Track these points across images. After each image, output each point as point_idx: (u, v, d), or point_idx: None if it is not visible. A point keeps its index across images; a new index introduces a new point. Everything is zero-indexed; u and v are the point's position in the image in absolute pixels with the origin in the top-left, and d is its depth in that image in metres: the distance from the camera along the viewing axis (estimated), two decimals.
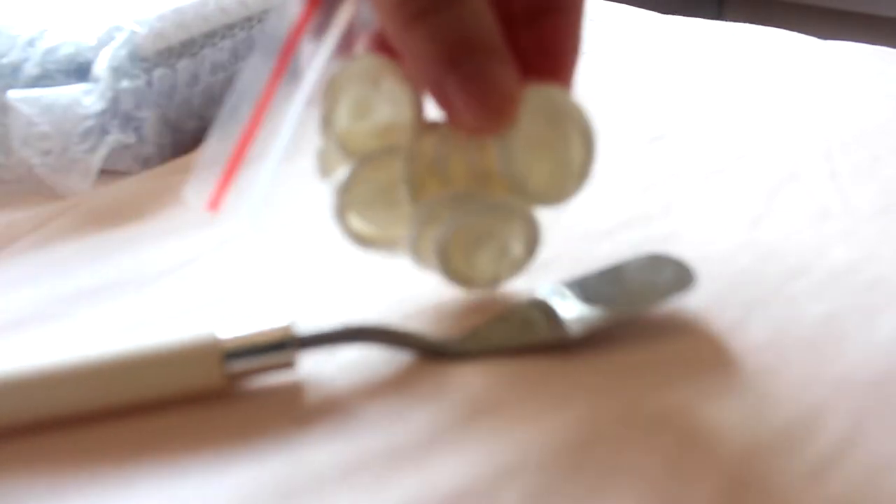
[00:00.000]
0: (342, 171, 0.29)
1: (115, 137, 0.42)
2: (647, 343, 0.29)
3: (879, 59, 0.56)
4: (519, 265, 0.30)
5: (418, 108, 0.29)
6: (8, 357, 0.27)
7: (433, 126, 0.29)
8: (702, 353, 0.28)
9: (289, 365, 0.27)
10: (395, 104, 0.29)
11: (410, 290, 0.32)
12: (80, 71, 0.42)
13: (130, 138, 0.43)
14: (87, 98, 0.41)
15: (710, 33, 0.62)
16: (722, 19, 0.75)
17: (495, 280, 0.30)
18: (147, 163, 0.44)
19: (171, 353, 0.27)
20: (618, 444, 0.25)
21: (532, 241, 0.30)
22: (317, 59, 0.27)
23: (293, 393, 0.27)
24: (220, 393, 0.27)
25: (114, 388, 0.26)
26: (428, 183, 0.29)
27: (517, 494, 0.23)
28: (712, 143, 0.44)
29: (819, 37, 0.60)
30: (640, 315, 0.29)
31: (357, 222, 0.30)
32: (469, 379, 0.28)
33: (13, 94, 0.41)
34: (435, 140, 0.28)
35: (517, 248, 0.30)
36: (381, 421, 0.26)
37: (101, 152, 0.41)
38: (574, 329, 0.29)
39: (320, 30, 0.27)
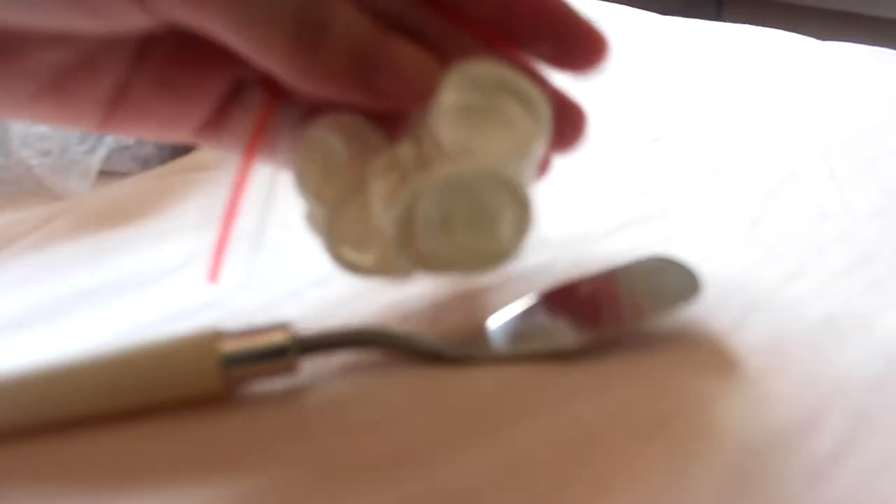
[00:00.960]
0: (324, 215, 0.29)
1: (114, 138, 0.42)
2: (647, 344, 0.29)
3: (878, 59, 0.56)
4: (508, 249, 0.28)
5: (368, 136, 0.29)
6: (7, 357, 0.27)
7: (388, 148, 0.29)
8: (701, 353, 0.28)
9: (290, 369, 0.27)
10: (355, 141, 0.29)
11: (408, 292, 0.32)
12: None
13: (129, 139, 0.43)
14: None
15: (708, 34, 0.62)
16: (721, 20, 0.75)
17: (483, 263, 0.29)
18: (146, 163, 0.44)
19: (170, 357, 0.27)
20: (617, 444, 0.25)
21: (523, 218, 0.27)
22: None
23: (293, 396, 0.27)
24: (220, 397, 0.27)
25: (112, 391, 0.26)
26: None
27: (517, 495, 0.23)
28: (711, 144, 0.44)
29: (818, 38, 0.60)
30: (642, 327, 0.29)
31: (352, 254, 0.29)
32: (469, 381, 0.28)
33: None
34: (390, 154, 0.28)
35: (506, 227, 0.28)
36: (380, 424, 0.26)
37: (100, 153, 0.41)
38: (574, 340, 0.28)
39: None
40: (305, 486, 0.24)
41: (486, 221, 0.27)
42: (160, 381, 0.26)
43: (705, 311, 0.30)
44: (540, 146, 0.27)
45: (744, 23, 0.65)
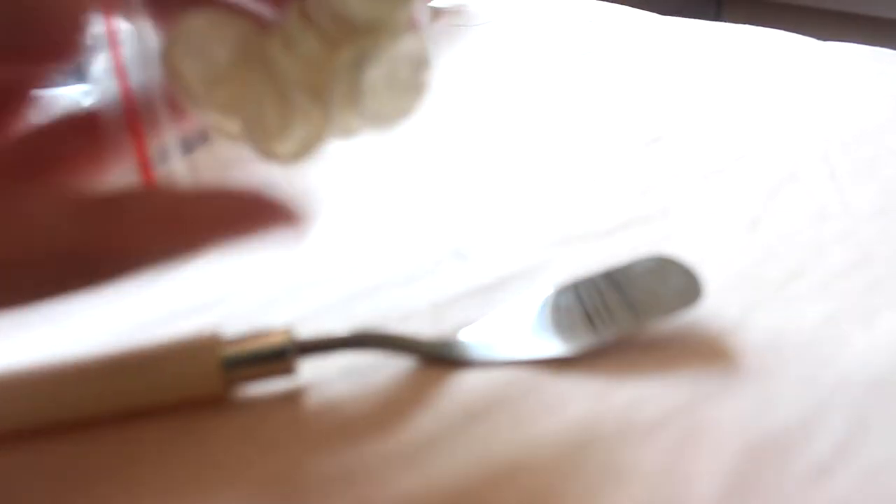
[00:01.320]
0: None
1: None
2: (647, 344, 0.29)
3: (878, 60, 0.56)
4: (412, 92, 0.28)
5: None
6: (7, 358, 0.27)
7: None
8: (701, 353, 0.28)
9: (289, 371, 0.27)
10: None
11: (408, 291, 0.32)
12: (78, 72, 0.42)
13: None
14: (86, 99, 0.41)
15: (708, 34, 0.62)
16: (720, 20, 0.75)
17: (406, 113, 0.28)
18: None
19: (170, 358, 0.27)
20: (617, 444, 0.25)
21: (419, 55, 0.27)
22: None
23: (291, 398, 0.27)
24: (218, 398, 0.27)
25: (111, 392, 0.26)
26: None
27: (517, 495, 0.23)
28: (711, 145, 0.44)
29: (817, 38, 0.60)
30: (642, 331, 0.29)
31: (281, 146, 0.28)
32: (468, 382, 0.28)
33: None
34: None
35: (404, 69, 0.27)
36: (380, 425, 0.26)
37: None
38: (573, 347, 0.28)
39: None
40: (304, 488, 0.24)
41: (405, 75, 0.27)
42: (160, 382, 0.26)
43: (705, 311, 0.30)
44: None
45: (743, 23, 0.65)
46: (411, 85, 0.28)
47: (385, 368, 0.28)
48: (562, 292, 0.31)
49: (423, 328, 0.30)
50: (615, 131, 0.46)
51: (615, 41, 0.60)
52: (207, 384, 0.26)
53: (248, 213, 0.26)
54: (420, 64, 0.28)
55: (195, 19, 0.28)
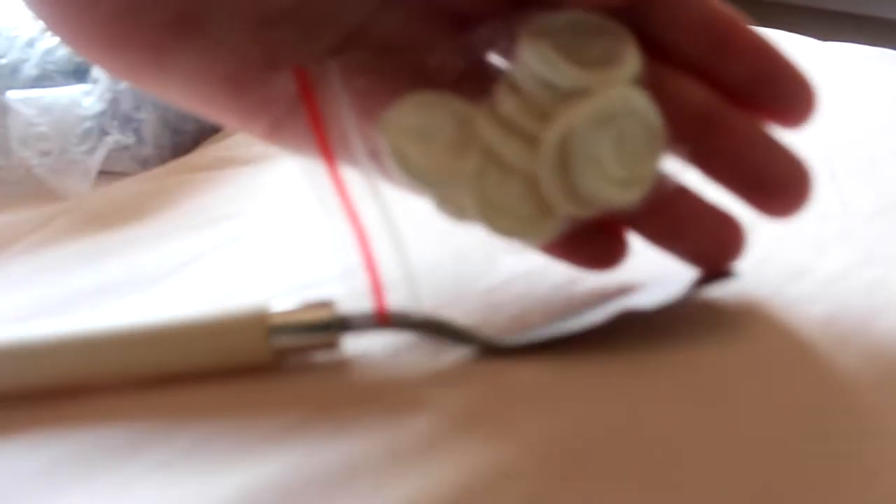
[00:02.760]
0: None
1: (114, 138, 0.42)
2: (646, 345, 0.29)
3: (879, 60, 0.56)
4: (650, 174, 0.28)
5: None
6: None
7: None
8: (700, 354, 0.28)
9: (332, 345, 0.28)
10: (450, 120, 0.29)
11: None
12: (78, 72, 0.43)
13: (129, 139, 0.43)
14: (86, 99, 0.41)
15: None
16: None
17: (631, 193, 0.28)
18: (146, 164, 0.44)
19: (219, 325, 0.28)
20: (616, 446, 0.25)
21: (658, 140, 0.28)
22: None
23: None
24: (263, 368, 0.28)
25: (160, 356, 0.28)
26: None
27: (517, 495, 0.23)
28: None
29: (818, 38, 0.60)
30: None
31: (509, 222, 0.29)
32: (468, 382, 0.28)
33: (12, 95, 0.41)
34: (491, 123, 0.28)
35: (643, 153, 0.28)
36: (380, 424, 0.26)
37: (101, 153, 0.42)
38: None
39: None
40: (307, 480, 0.24)
41: (628, 150, 0.28)
42: (208, 348, 0.28)
43: (704, 311, 0.30)
44: (639, 67, 0.27)
45: None
46: (644, 146, 0.28)
47: (384, 366, 0.28)
48: None
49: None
50: None
51: None
52: (254, 352, 0.27)
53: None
54: (648, 122, 0.27)
55: (411, 100, 0.28)
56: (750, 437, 0.25)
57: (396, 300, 0.28)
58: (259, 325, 0.27)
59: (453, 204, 0.29)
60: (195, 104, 0.29)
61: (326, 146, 0.27)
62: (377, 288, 0.28)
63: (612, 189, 0.28)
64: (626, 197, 0.28)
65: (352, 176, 0.28)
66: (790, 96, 0.29)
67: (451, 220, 0.29)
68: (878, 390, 0.27)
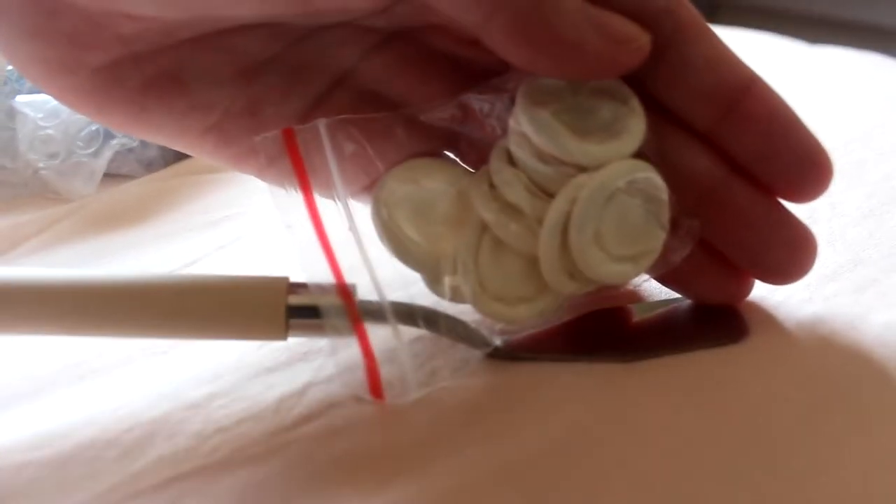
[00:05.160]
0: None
1: (118, 141, 0.42)
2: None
3: (868, 64, 0.57)
4: (654, 248, 0.27)
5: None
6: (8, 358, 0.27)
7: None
8: (695, 355, 0.28)
9: (344, 332, 0.27)
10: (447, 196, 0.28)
11: None
12: None
13: (134, 142, 0.43)
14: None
15: None
16: (714, 24, 0.76)
17: (637, 269, 0.27)
18: (150, 166, 0.45)
19: (238, 290, 0.27)
20: (616, 445, 0.25)
21: (664, 215, 0.27)
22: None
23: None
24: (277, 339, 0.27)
25: (175, 313, 0.27)
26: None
27: (517, 495, 0.23)
28: None
29: (808, 42, 0.60)
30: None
31: (502, 307, 0.28)
32: (468, 382, 0.27)
33: (20, 100, 0.41)
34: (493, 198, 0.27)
35: (648, 227, 0.27)
36: (379, 422, 0.26)
37: (106, 156, 0.42)
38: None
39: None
40: (304, 479, 0.24)
41: (631, 226, 0.27)
42: (225, 314, 0.27)
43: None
44: (645, 136, 0.26)
45: (737, 27, 0.65)
46: (648, 221, 0.27)
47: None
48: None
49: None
50: None
51: None
52: (270, 324, 0.27)
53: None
54: (653, 197, 0.26)
55: (406, 165, 0.27)
56: (744, 436, 0.25)
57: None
58: (278, 298, 0.26)
59: (445, 286, 0.28)
60: (187, 151, 0.30)
61: (314, 209, 0.27)
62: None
63: (615, 267, 0.27)
64: (628, 274, 0.27)
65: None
66: (800, 173, 0.27)
67: (442, 300, 0.28)
68: (867, 390, 0.27)
